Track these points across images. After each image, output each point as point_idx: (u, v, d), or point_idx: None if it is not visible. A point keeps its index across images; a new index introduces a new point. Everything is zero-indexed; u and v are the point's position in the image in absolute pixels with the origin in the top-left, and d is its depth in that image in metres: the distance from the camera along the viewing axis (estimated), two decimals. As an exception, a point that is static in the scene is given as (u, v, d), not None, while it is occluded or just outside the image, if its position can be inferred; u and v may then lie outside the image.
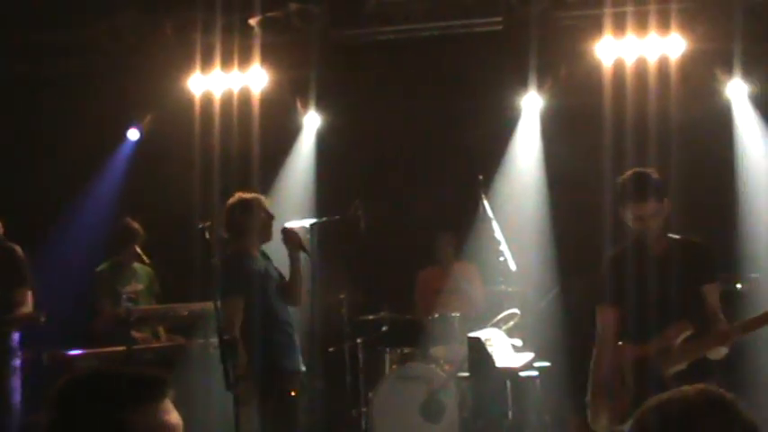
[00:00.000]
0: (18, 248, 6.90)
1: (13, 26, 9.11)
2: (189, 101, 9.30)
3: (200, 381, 7.00)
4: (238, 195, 6.31)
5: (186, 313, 7.55)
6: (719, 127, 8.86)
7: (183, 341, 7.65)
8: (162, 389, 2.10)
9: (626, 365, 4.98)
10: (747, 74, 8.78)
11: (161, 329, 8.11)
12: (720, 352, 4.93)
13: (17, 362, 6.80)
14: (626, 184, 5.07)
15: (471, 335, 7.03)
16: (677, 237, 5.17)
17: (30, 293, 6.83)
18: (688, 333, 4.89)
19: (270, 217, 6.32)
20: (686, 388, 2.16)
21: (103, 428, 2.03)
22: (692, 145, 8.31)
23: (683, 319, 4.91)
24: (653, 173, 5.11)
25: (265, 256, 6.36)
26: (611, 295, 5.14)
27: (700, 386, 2.17)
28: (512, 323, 7.40)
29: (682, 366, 4.88)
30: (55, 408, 2.08)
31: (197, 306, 7.18)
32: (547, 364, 7.51)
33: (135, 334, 7.78)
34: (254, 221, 6.19)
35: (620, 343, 5.11)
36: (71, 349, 7.34)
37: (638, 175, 5.08)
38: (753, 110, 8.85)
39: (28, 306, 6.81)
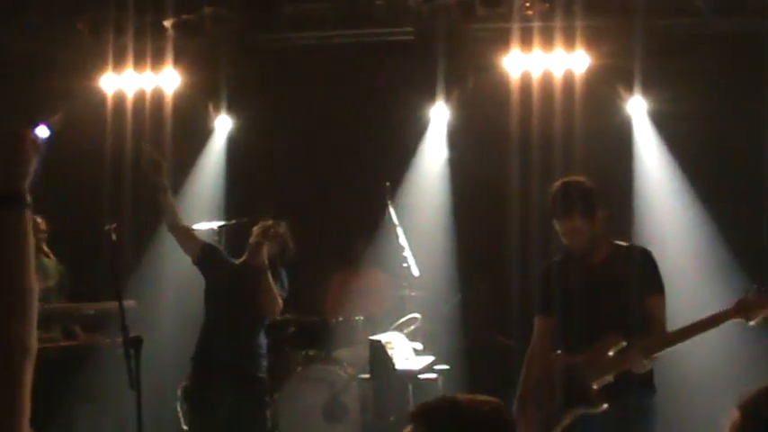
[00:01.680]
0: None
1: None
2: (101, 100, 9.30)
3: (109, 379, 7.04)
4: None
5: (93, 312, 7.59)
6: (620, 141, 9.15)
7: (102, 340, 7.63)
8: None
9: (556, 376, 4.90)
10: (646, 91, 9.09)
11: (77, 328, 8.07)
12: (645, 365, 4.83)
13: None
14: (552, 199, 4.99)
15: (372, 338, 7.21)
16: (623, 244, 5.11)
17: None
18: (620, 345, 4.78)
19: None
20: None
21: None
22: (594, 157, 8.53)
23: (618, 331, 4.80)
24: (584, 183, 5.01)
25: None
26: (547, 306, 5.09)
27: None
28: (413, 327, 7.60)
29: (609, 379, 4.79)
30: None
31: (104, 305, 7.20)
32: (446, 367, 7.69)
33: (42, 334, 7.76)
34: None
35: (558, 352, 5.00)
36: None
37: (564, 188, 4.99)
38: (651, 126, 9.16)
39: None
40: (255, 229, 6.51)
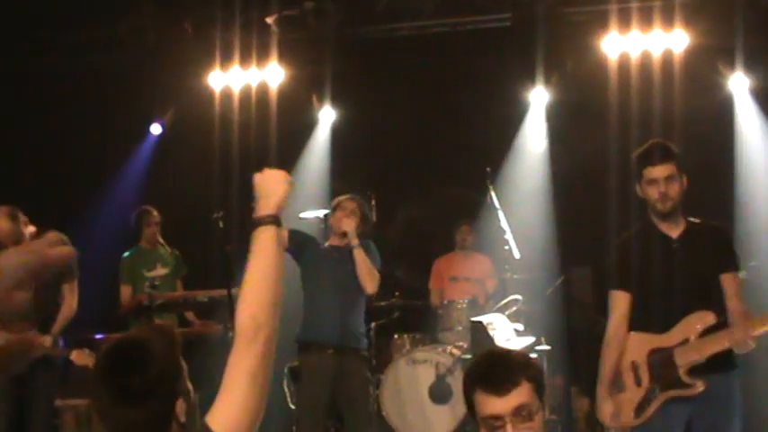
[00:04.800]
0: (66, 239, 6.97)
1: (42, 26, 9.52)
2: (209, 96, 9.67)
3: (220, 365, 7.32)
4: None
5: (207, 299, 7.89)
6: (721, 120, 9.07)
7: (216, 327, 7.92)
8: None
9: (639, 358, 4.71)
10: (749, 68, 9.00)
11: (192, 315, 8.38)
12: (749, 345, 4.58)
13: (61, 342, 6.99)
14: (643, 150, 4.81)
15: (474, 319, 7.36)
16: (697, 220, 4.88)
17: (76, 283, 7.05)
18: (710, 324, 4.61)
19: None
20: None
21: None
22: (695, 137, 8.46)
23: (704, 309, 4.64)
24: (673, 145, 4.87)
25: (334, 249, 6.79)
26: (625, 280, 4.82)
27: None
28: (514, 308, 7.72)
29: (700, 359, 4.59)
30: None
31: (217, 292, 7.49)
32: (547, 347, 7.79)
33: (157, 321, 8.09)
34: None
35: (631, 333, 4.78)
36: (97, 333, 7.74)
37: (656, 141, 4.86)
38: (753, 103, 9.06)
39: (74, 296, 7.00)
40: (333, 210, 6.78)
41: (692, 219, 4.88)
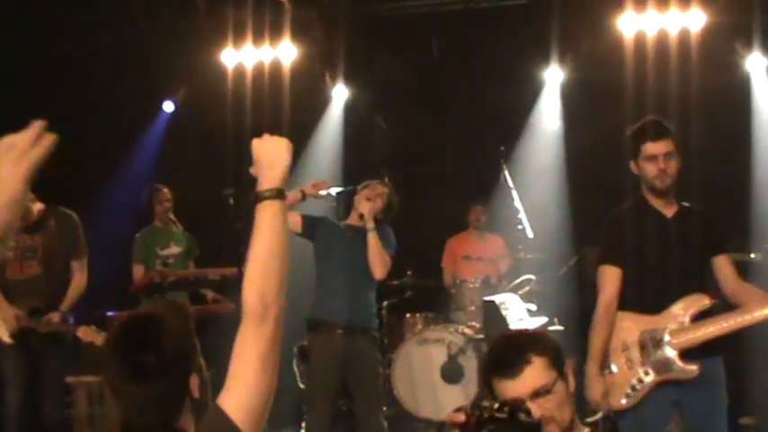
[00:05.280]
0: (75, 216, 6.96)
1: (55, 5, 9.46)
2: (222, 74, 9.62)
3: (232, 343, 7.30)
4: None
5: (218, 277, 7.86)
6: (738, 99, 9.00)
7: (228, 304, 7.89)
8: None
9: (630, 339, 4.63)
10: (766, 47, 8.91)
11: (208, 292, 8.35)
12: None
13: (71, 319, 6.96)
14: (641, 126, 4.78)
15: (486, 299, 7.32)
16: (687, 204, 4.82)
17: (86, 260, 7.02)
18: (706, 307, 4.59)
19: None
20: None
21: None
22: (711, 117, 8.43)
23: (698, 291, 4.62)
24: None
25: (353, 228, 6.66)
26: (616, 255, 4.73)
27: None
28: (527, 288, 7.69)
29: (696, 342, 4.54)
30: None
31: (229, 270, 7.47)
32: (560, 328, 7.74)
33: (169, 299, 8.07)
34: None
35: (620, 312, 4.69)
36: (108, 311, 7.76)
37: (653, 118, 4.85)
38: (771, 83, 8.99)
39: (84, 273, 6.97)
40: (359, 189, 6.67)
41: (683, 202, 4.83)
